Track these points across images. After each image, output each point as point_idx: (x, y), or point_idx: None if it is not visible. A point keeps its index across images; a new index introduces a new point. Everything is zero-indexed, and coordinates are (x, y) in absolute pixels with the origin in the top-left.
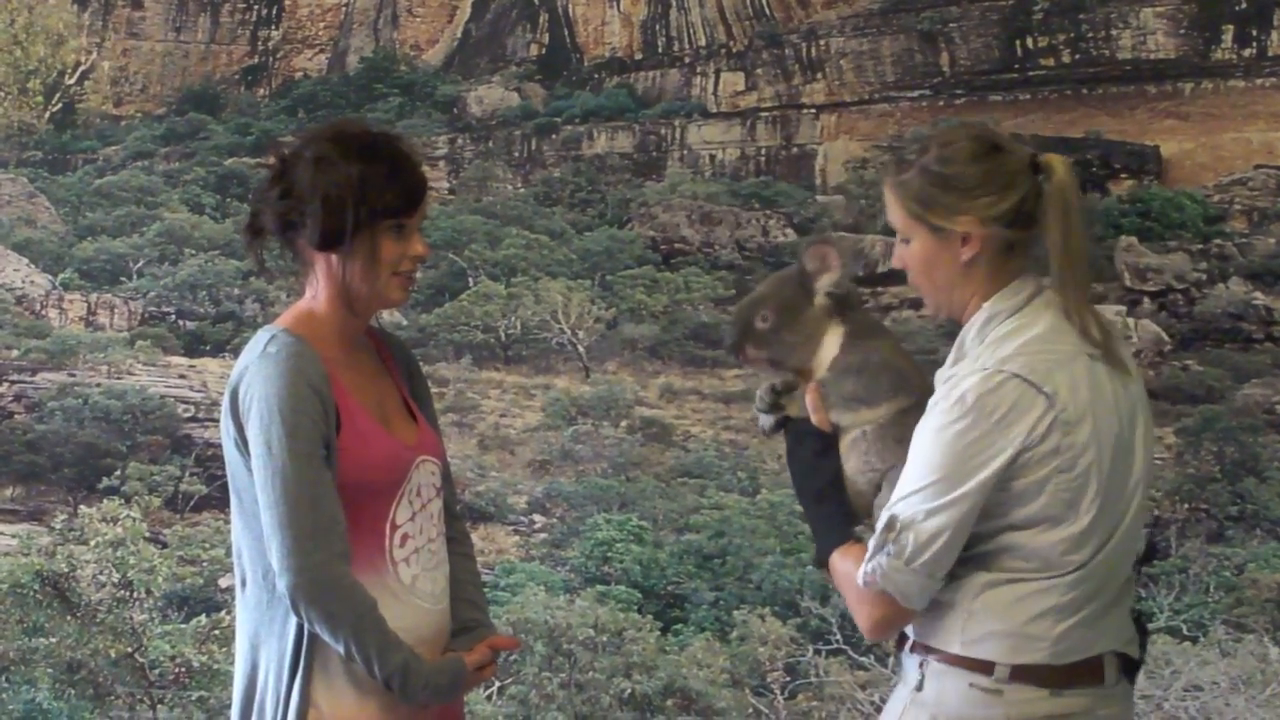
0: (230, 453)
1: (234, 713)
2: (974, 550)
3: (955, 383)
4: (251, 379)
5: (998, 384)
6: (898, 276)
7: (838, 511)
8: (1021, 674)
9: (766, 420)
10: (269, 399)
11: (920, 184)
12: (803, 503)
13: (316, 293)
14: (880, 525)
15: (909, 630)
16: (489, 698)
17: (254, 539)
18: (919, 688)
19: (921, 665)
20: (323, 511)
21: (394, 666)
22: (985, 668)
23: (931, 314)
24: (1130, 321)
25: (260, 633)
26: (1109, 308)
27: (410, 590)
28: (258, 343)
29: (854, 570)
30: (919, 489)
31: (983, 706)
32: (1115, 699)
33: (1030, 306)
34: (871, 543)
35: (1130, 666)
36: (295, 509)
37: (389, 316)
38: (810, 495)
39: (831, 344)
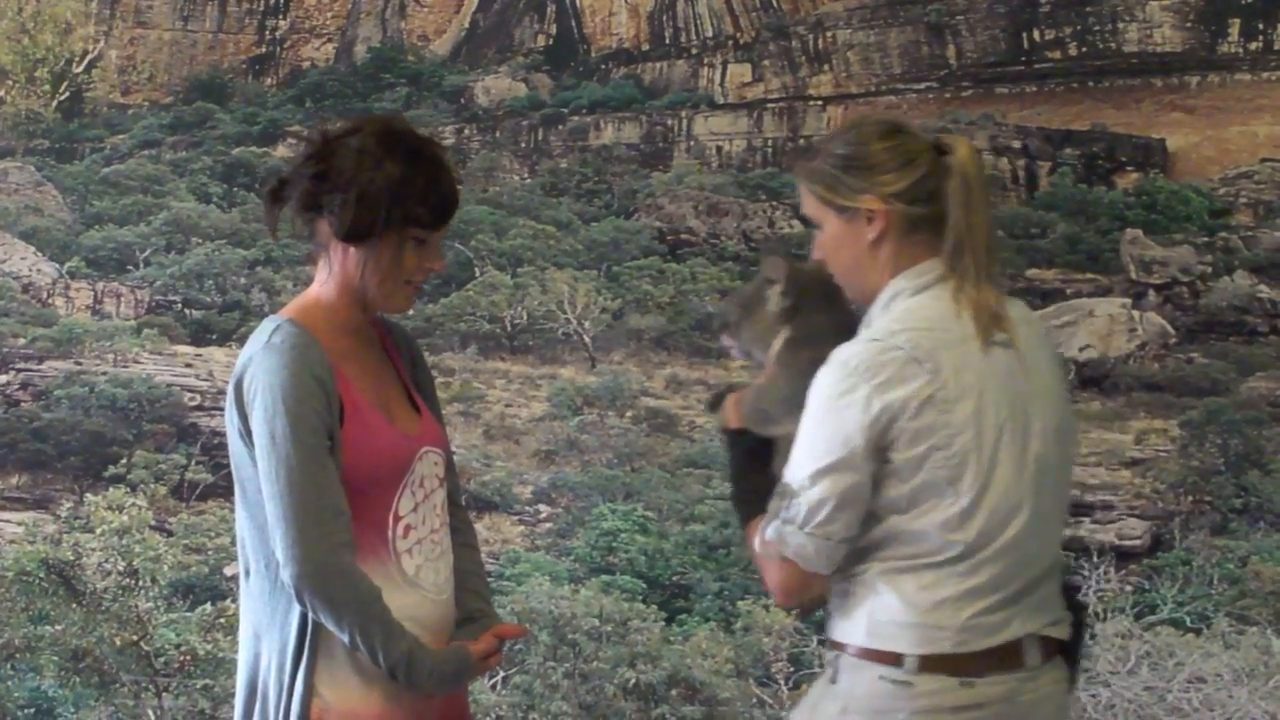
0: (234, 443)
1: (238, 702)
2: (866, 539)
3: (843, 349)
4: (256, 369)
5: (880, 352)
6: None
7: (752, 489)
8: (930, 664)
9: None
10: (273, 389)
11: (826, 169)
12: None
13: (326, 279)
14: (778, 490)
15: (826, 628)
16: (493, 687)
17: (258, 529)
18: (833, 680)
19: (836, 659)
20: (327, 502)
21: (399, 655)
22: (893, 659)
23: (852, 299)
24: (1135, 314)
25: (263, 622)
26: (1114, 300)
27: (414, 581)
28: (262, 333)
29: (755, 546)
30: (804, 452)
31: (892, 698)
32: (1040, 683)
33: (935, 288)
34: (770, 508)
35: (1066, 648)
36: (299, 499)
37: None
38: (732, 479)
39: (776, 347)
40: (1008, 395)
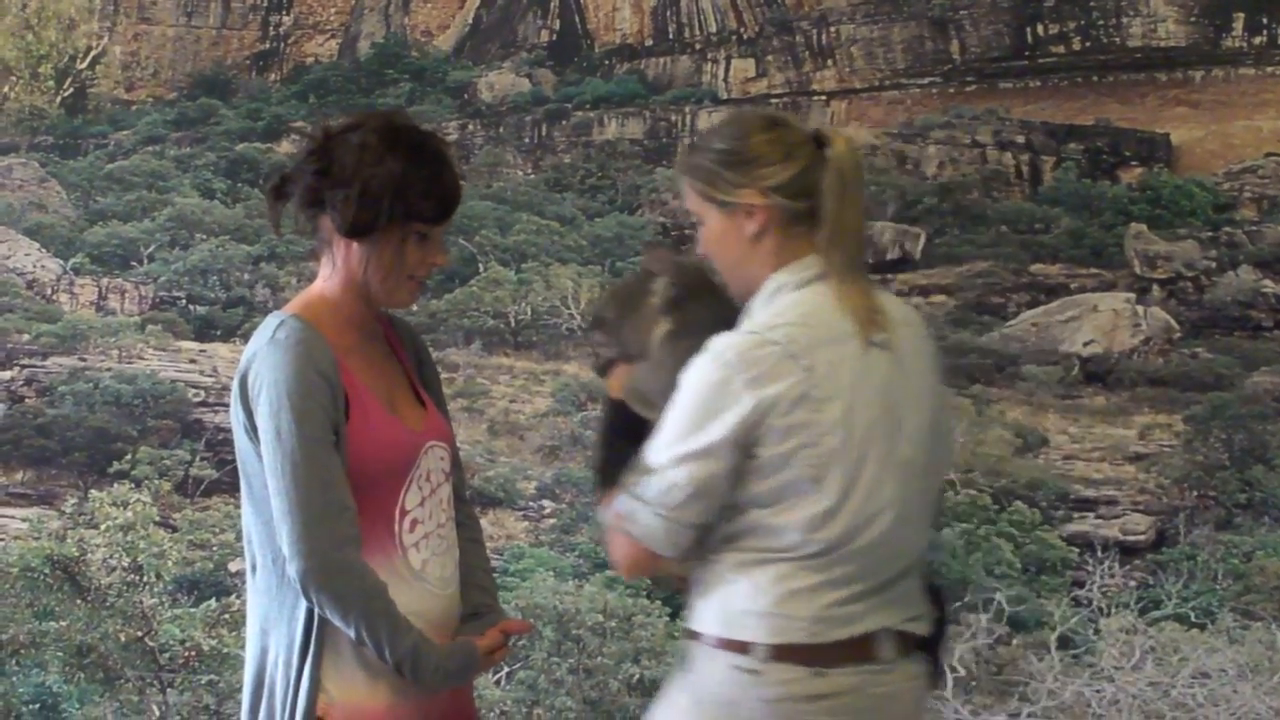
0: (240, 438)
1: (244, 697)
2: (726, 530)
3: (720, 341)
4: (260, 365)
5: (757, 345)
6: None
7: (618, 460)
8: (780, 653)
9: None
10: (278, 385)
11: (706, 164)
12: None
13: (330, 275)
14: (633, 467)
15: (686, 618)
16: (498, 682)
17: (264, 524)
18: (688, 670)
19: (693, 649)
20: (333, 496)
21: (405, 650)
22: (744, 648)
23: (736, 296)
24: (1139, 309)
25: (270, 617)
26: (1118, 295)
27: (420, 575)
28: (266, 328)
29: (607, 519)
30: (669, 435)
31: (742, 687)
32: (894, 677)
33: (816, 284)
34: (625, 484)
35: (927, 644)
36: (305, 494)
37: None
38: (599, 445)
39: (658, 337)
40: (881, 396)
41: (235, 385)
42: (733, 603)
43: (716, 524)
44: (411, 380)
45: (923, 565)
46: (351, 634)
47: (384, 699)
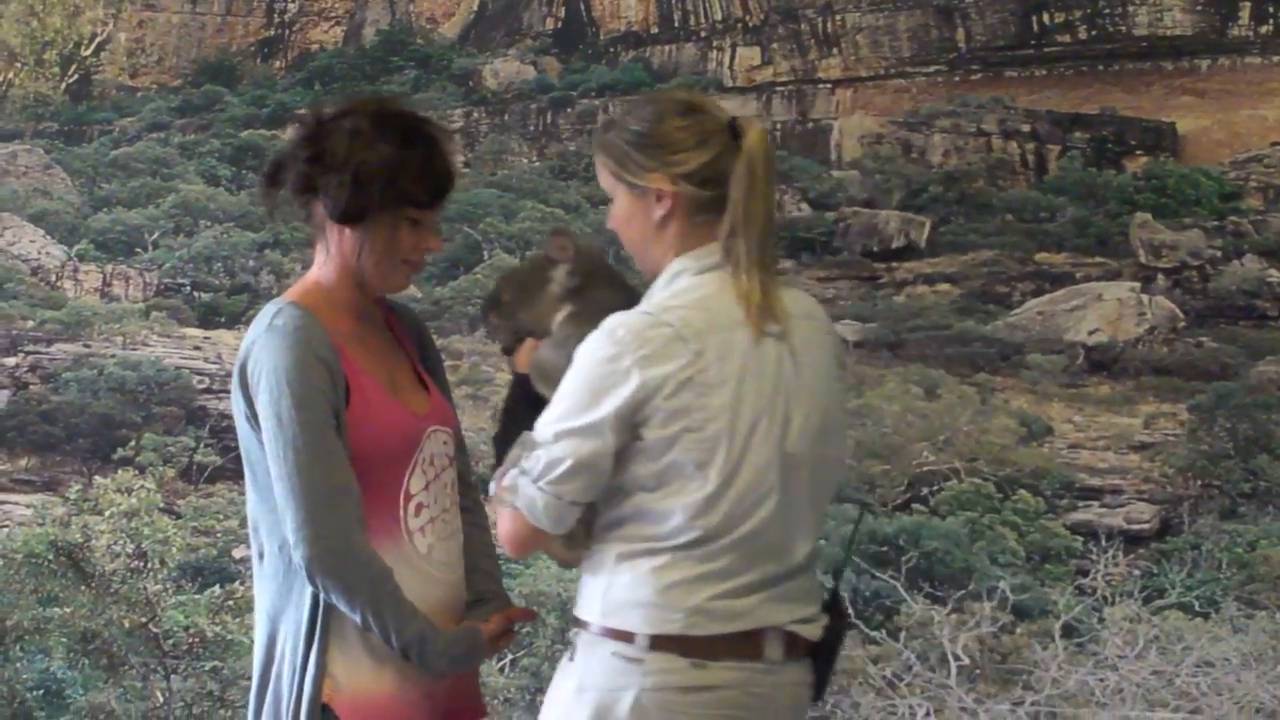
0: (242, 427)
1: (253, 684)
2: (609, 516)
3: (615, 317)
4: (259, 353)
5: (650, 326)
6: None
7: (515, 435)
8: (660, 643)
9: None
10: (276, 371)
11: (619, 143)
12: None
13: (324, 261)
14: (519, 441)
15: (575, 606)
16: (501, 670)
17: (269, 512)
18: (571, 658)
19: (575, 637)
20: (336, 481)
21: (411, 635)
22: (626, 637)
23: (641, 275)
24: (1144, 298)
25: (277, 604)
26: (1123, 284)
27: (427, 559)
28: (264, 316)
29: (494, 495)
30: (556, 410)
31: (623, 675)
32: (780, 679)
33: (715, 271)
34: (509, 459)
35: (817, 649)
36: (308, 480)
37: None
38: (501, 418)
39: (558, 320)
40: (769, 387)
41: (235, 374)
42: (615, 593)
43: (603, 508)
44: (414, 364)
45: (816, 565)
46: (358, 619)
47: (390, 685)
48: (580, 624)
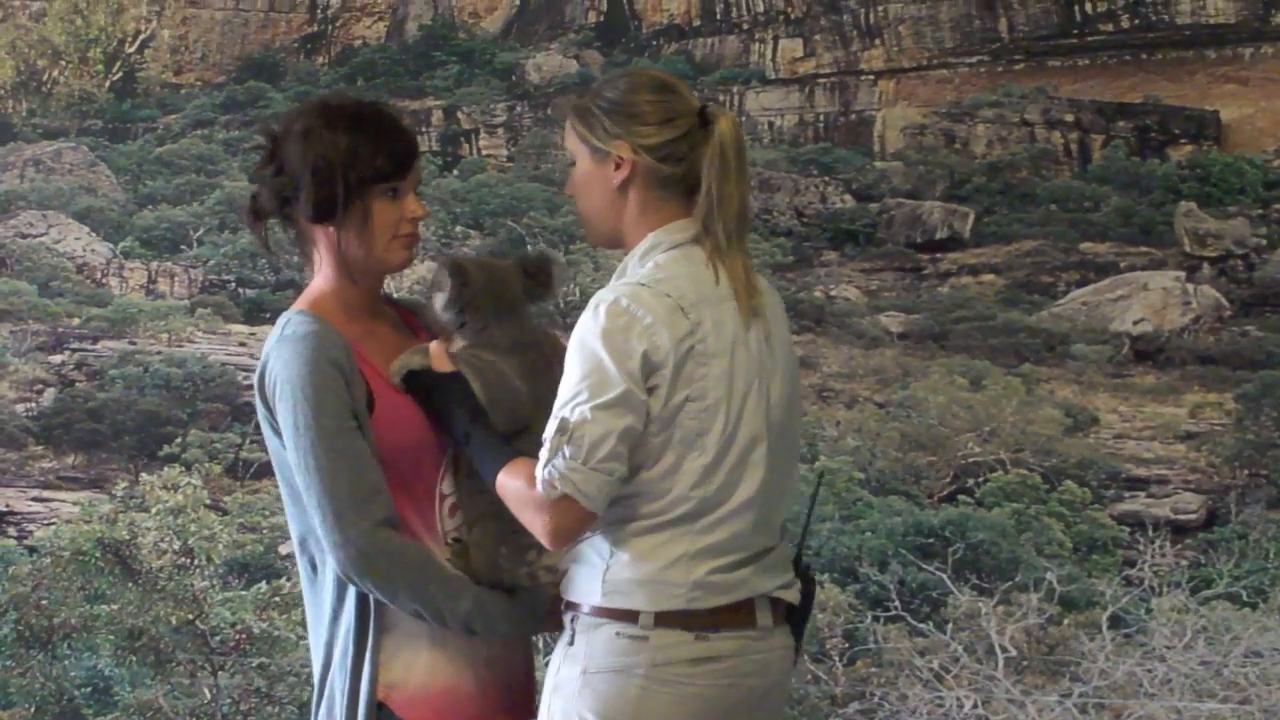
0: (270, 439)
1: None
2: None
3: (609, 291)
4: (274, 363)
5: (652, 296)
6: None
7: (487, 441)
8: (664, 619)
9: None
10: (292, 380)
11: (590, 107)
12: (457, 441)
13: (322, 268)
14: (551, 431)
15: (562, 590)
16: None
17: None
18: (570, 642)
19: (573, 621)
20: (360, 483)
21: (466, 609)
22: (629, 616)
23: (591, 243)
24: (1190, 287)
25: (326, 609)
26: (1168, 274)
27: None
28: (277, 328)
29: (520, 488)
30: (581, 388)
31: (629, 654)
32: (770, 643)
33: (690, 247)
34: (544, 449)
35: (793, 613)
36: (332, 484)
37: None
38: (459, 431)
39: (457, 348)
40: (754, 361)
41: (256, 387)
42: (614, 572)
43: None
44: None
45: (785, 533)
46: (409, 611)
47: (444, 679)
48: (573, 607)
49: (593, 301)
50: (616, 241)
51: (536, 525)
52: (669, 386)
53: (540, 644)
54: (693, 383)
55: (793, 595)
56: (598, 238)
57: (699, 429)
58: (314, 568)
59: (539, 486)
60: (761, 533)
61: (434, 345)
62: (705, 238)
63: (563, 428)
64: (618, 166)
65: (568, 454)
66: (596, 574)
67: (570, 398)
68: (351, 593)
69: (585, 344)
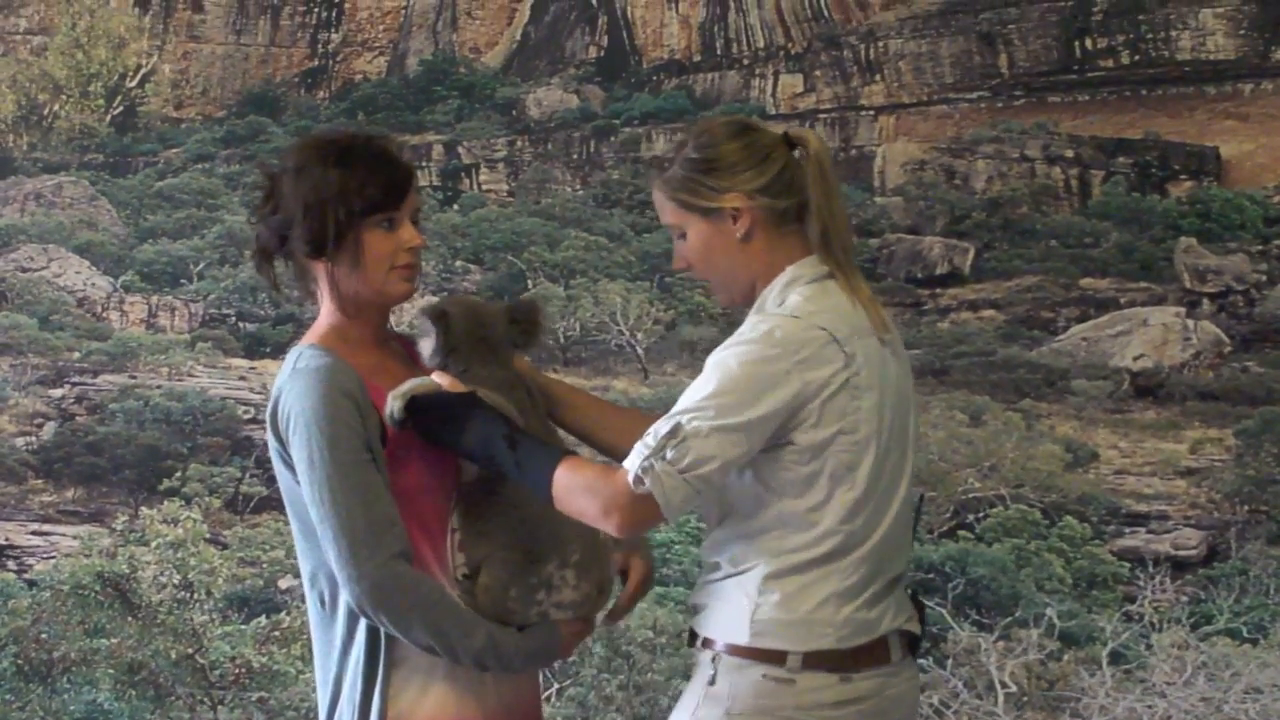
0: (281, 474)
1: None
2: (748, 526)
3: (762, 321)
4: (287, 397)
5: (804, 329)
6: (955, 279)
7: (535, 443)
8: (812, 661)
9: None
10: (305, 414)
11: (683, 175)
12: (496, 461)
13: (326, 303)
14: (663, 429)
15: (698, 626)
16: (547, 699)
17: (321, 553)
18: (711, 682)
19: (714, 660)
20: (374, 515)
21: (480, 645)
22: (777, 657)
23: (725, 304)
24: (1190, 323)
25: (336, 643)
26: (1168, 309)
27: None
28: (288, 362)
29: (593, 477)
30: (709, 404)
31: (775, 696)
32: (902, 677)
33: (829, 281)
34: (647, 443)
35: (914, 643)
36: (346, 518)
37: None
38: (501, 448)
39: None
40: (897, 395)
41: (268, 421)
42: (764, 612)
43: (740, 520)
44: None
45: (908, 565)
46: (421, 646)
47: (452, 712)
48: (710, 645)
49: (746, 326)
50: (753, 295)
51: (611, 516)
52: (820, 419)
53: (542, 675)
54: (845, 416)
55: (915, 626)
56: (734, 297)
57: (850, 463)
58: (323, 603)
59: (629, 476)
60: (892, 566)
61: (438, 374)
62: (838, 271)
63: (675, 431)
64: (735, 219)
65: (669, 456)
66: (744, 614)
67: (694, 407)
68: (363, 626)
69: (727, 363)
